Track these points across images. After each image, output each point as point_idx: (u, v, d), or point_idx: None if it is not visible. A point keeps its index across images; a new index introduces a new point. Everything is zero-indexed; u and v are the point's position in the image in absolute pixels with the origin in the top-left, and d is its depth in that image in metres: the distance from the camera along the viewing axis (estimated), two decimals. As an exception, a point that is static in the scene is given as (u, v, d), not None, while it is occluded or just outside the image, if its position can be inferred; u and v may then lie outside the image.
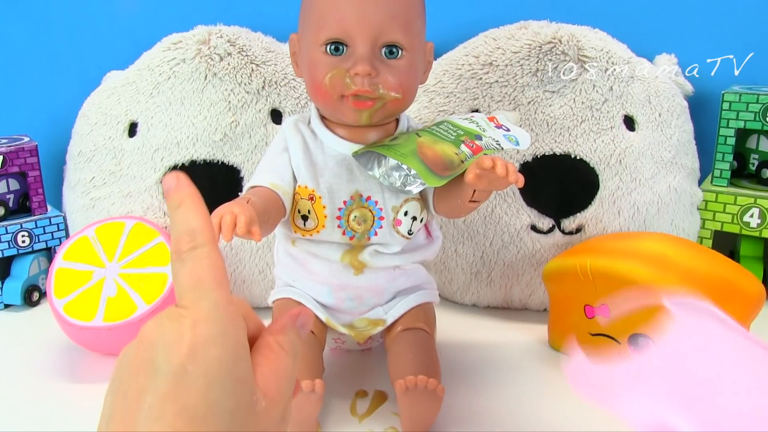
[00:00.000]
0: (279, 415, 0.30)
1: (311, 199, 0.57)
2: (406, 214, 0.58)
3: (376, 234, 0.58)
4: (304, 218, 0.58)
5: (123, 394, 0.28)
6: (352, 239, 0.58)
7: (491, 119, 0.60)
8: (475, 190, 0.53)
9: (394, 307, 0.61)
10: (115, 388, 0.29)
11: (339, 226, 0.57)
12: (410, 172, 0.52)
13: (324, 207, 0.57)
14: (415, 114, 0.76)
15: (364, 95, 0.53)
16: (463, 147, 0.55)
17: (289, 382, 0.31)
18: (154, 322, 0.29)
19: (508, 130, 0.60)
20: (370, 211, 0.57)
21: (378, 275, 0.60)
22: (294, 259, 0.61)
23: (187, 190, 0.31)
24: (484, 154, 0.55)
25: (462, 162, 0.54)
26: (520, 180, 0.50)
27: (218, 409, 0.27)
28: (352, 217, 0.57)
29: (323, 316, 0.60)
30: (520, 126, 0.68)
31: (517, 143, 0.59)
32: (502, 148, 0.57)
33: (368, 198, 0.57)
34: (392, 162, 0.53)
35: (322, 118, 0.59)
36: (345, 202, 0.57)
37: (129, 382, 0.28)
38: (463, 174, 0.52)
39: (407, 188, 0.53)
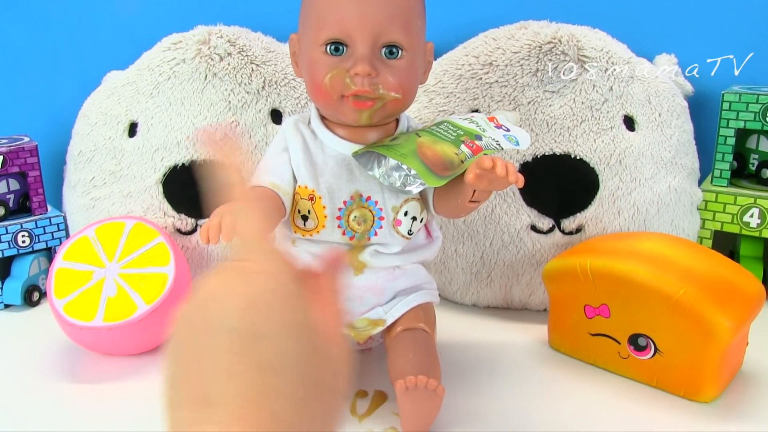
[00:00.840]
0: (346, 357, 0.30)
1: (311, 199, 0.57)
2: (406, 214, 0.58)
3: (376, 234, 0.58)
4: (304, 218, 0.58)
5: (187, 355, 0.27)
6: (352, 239, 0.58)
7: (491, 119, 0.60)
8: (475, 191, 0.53)
9: (394, 307, 0.61)
10: (176, 350, 0.28)
11: (339, 226, 0.57)
12: (410, 172, 0.52)
13: (324, 207, 0.57)
14: (415, 114, 0.76)
15: (364, 95, 0.53)
16: (463, 147, 0.55)
17: (343, 323, 0.31)
18: (213, 279, 0.29)
19: (508, 130, 0.60)
20: (370, 211, 0.57)
21: (378, 275, 0.60)
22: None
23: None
24: (484, 154, 0.55)
25: (462, 162, 0.54)
26: (520, 180, 0.50)
27: (289, 359, 0.26)
28: (352, 217, 0.57)
29: None
30: (520, 126, 0.68)
31: (517, 143, 0.59)
32: (502, 148, 0.57)
33: (368, 198, 0.57)
34: (392, 162, 0.53)
35: (322, 118, 0.59)
36: (345, 202, 0.57)
37: (191, 342, 0.27)
38: (463, 174, 0.52)
39: (407, 188, 0.53)
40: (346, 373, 0.30)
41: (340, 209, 0.57)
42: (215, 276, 0.29)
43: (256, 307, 0.27)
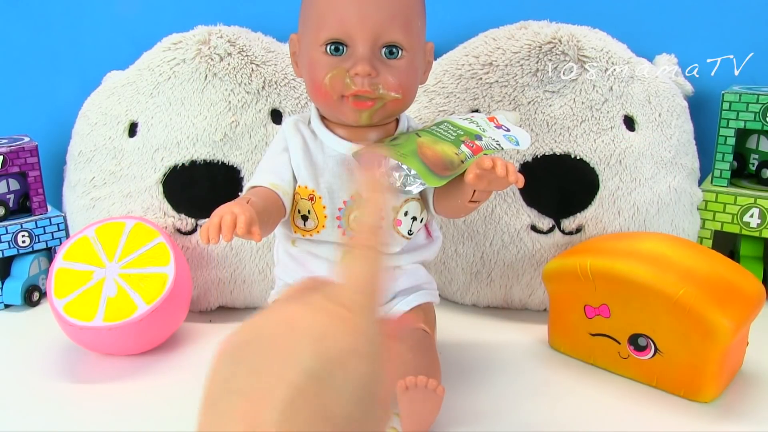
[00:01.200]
0: (388, 419, 0.31)
1: (311, 199, 0.57)
2: (406, 214, 0.58)
3: None
4: (304, 218, 0.58)
5: (256, 374, 0.27)
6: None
7: (491, 119, 0.60)
8: (475, 191, 0.53)
9: (394, 307, 0.61)
10: (244, 361, 0.28)
11: (339, 227, 0.57)
12: (410, 172, 0.52)
13: (324, 207, 0.57)
14: (415, 114, 0.76)
15: (364, 95, 0.53)
16: (463, 147, 0.55)
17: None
18: (311, 312, 0.29)
19: (508, 130, 0.60)
20: None
21: None
22: (294, 259, 0.61)
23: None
24: (484, 154, 0.55)
25: (462, 162, 0.54)
26: (520, 180, 0.50)
27: (351, 419, 0.27)
28: (352, 217, 0.57)
29: None
30: (520, 126, 0.68)
31: (517, 143, 0.59)
32: (502, 148, 0.57)
33: None
34: (392, 162, 0.53)
35: (322, 118, 0.59)
36: (345, 202, 0.57)
37: (265, 363, 0.27)
38: (463, 174, 0.52)
39: (407, 188, 0.53)
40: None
41: (340, 209, 0.57)
42: (321, 314, 0.28)
43: (347, 365, 0.27)
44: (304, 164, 0.57)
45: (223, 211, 0.47)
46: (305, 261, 0.60)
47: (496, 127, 0.59)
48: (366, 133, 0.57)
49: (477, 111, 0.73)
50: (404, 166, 0.52)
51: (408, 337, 0.59)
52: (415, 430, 0.54)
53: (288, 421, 0.25)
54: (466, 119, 0.59)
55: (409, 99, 0.57)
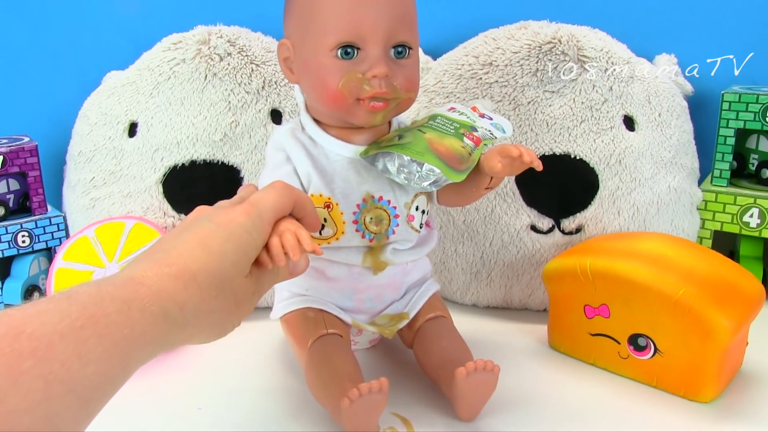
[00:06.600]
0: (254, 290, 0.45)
1: (327, 206, 0.56)
2: (417, 208, 0.59)
3: (393, 232, 0.58)
4: (321, 226, 0.57)
5: (172, 232, 0.44)
6: (372, 241, 0.58)
7: (474, 109, 0.61)
8: (491, 178, 0.55)
9: (412, 299, 0.61)
10: (171, 233, 0.44)
11: (357, 230, 0.57)
12: (423, 168, 0.53)
13: (341, 213, 0.56)
14: (415, 114, 0.76)
15: (382, 96, 0.53)
16: (466, 140, 0.56)
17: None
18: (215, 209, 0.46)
19: (491, 118, 0.60)
20: (384, 210, 0.57)
21: (395, 271, 0.60)
22: (311, 267, 0.60)
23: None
24: (484, 144, 0.56)
25: (469, 155, 0.55)
26: (539, 164, 0.54)
27: (227, 257, 0.42)
28: (367, 219, 0.57)
29: (348, 318, 0.60)
30: (509, 119, 0.69)
31: (503, 131, 0.60)
32: (495, 137, 0.58)
33: (380, 198, 0.57)
34: (405, 159, 0.53)
35: (317, 123, 0.58)
36: (358, 206, 0.56)
37: (182, 225, 0.44)
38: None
39: (423, 184, 0.53)
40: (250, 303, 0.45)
41: (354, 213, 0.56)
42: (222, 207, 0.45)
43: (230, 222, 0.43)
44: (314, 172, 0.56)
45: (280, 231, 0.45)
46: (322, 268, 0.59)
47: (480, 116, 0.60)
48: (364, 134, 0.57)
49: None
50: (421, 163, 0.53)
51: (435, 327, 0.61)
52: (472, 413, 0.55)
53: (205, 244, 0.41)
54: (456, 111, 0.60)
55: (416, 97, 0.57)
